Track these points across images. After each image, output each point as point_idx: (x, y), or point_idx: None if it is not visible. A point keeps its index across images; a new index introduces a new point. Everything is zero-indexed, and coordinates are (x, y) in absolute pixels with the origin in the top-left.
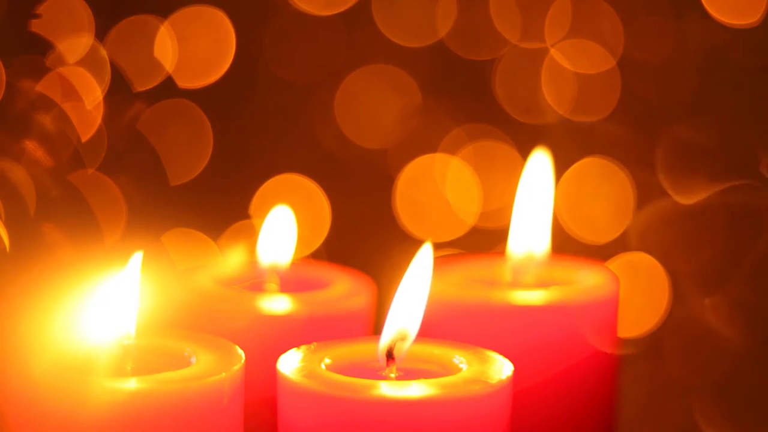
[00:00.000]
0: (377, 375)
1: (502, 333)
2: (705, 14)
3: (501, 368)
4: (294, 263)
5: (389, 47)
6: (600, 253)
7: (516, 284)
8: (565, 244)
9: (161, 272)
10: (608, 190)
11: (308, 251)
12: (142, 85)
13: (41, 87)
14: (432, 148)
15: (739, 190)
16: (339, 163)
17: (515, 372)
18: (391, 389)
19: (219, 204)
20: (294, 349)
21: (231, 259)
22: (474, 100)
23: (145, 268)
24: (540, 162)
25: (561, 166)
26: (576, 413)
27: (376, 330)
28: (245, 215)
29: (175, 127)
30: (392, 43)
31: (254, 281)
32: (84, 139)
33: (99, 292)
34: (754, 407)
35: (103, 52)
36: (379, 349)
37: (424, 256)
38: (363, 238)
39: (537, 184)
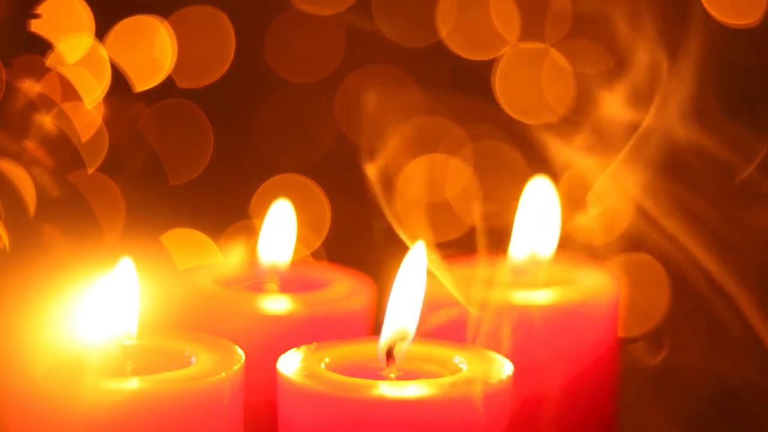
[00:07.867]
0: (377, 375)
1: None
2: (705, 14)
3: (501, 368)
4: (294, 263)
5: (389, 47)
6: (600, 253)
7: (516, 284)
8: (565, 244)
9: (161, 272)
10: (608, 190)
11: (308, 251)
12: (142, 85)
13: (41, 87)
14: (432, 148)
15: (738, 189)
16: (339, 163)
17: (515, 372)
18: (391, 389)
19: (219, 204)
20: (294, 349)
21: (230, 259)
22: (474, 100)
23: (146, 268)
24: (541, 189)
25: (561, 166)
26: (576, 413)
27: (376, 330)
28: (245, 215)
29: (175, 127)
30: (392, 43)
31: (254, 281)
32: (84, 139)
33: (98, 292)
34: (754, 406)
35: (103, 52)
36: (379, 349)
37: (417, 255)
38: (363, 238)
39: (540, 201)
